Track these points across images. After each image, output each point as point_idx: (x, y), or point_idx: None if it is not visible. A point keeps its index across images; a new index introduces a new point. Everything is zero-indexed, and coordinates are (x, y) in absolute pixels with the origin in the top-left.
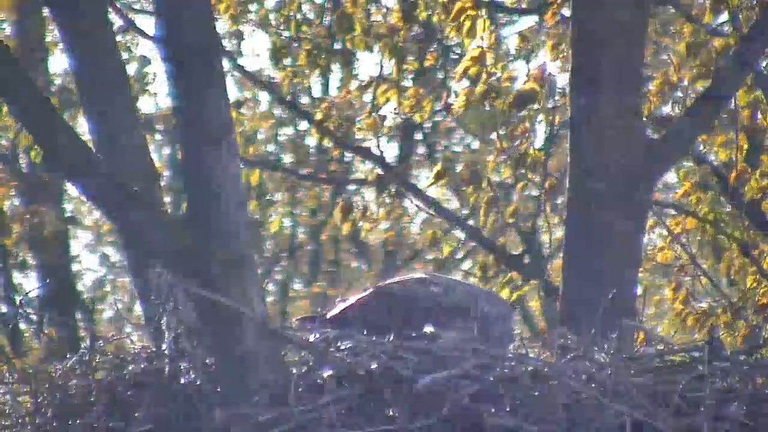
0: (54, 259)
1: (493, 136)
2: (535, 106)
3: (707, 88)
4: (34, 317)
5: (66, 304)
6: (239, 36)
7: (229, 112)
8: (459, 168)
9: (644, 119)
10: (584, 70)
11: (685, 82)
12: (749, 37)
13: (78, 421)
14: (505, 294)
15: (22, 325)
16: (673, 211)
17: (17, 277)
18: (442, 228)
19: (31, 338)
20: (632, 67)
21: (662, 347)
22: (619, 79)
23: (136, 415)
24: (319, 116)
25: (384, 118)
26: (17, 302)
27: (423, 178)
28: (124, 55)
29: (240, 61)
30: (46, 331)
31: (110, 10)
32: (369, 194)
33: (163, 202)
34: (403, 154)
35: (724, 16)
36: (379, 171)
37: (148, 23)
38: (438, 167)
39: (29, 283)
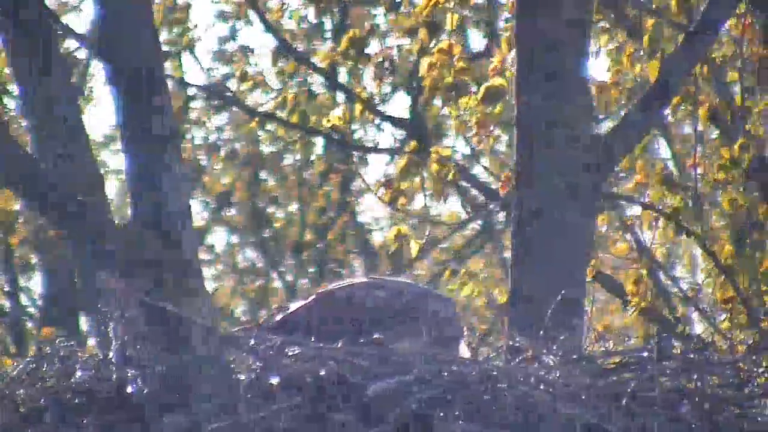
0: (57, 260)
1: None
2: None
3: (656, 81)
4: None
5: (69, 305)
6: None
7: (174, 120)
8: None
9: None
10: (531, 67)
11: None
12: (696, 30)
13: (26, 430)
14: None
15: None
16: (635, 206)
17: (22, 278)
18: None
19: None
20: (580, 61)
21: (612, 347)
22: (567, 74)
23: (84, 422)
24: (362, 94)
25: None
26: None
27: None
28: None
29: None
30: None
31: (52, 22)
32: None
33: (110, 208)
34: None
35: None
36: (416, 142)
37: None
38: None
39: (34, 283)
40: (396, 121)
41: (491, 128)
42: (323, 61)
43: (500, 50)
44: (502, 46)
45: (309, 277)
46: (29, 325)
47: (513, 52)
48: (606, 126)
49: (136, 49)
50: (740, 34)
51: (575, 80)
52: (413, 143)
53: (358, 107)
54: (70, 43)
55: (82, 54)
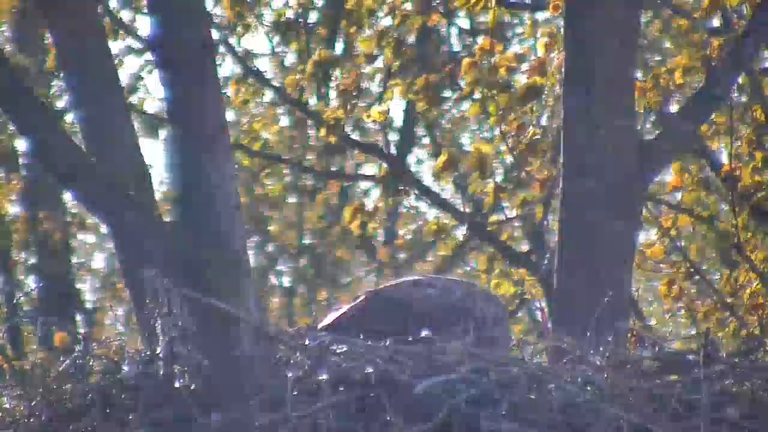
0: (57, 263)
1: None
2: (546, 100)
3: (702, 87)
4: (30, 318)
5: (67, 306)
6: (244, 29)
7: (223, 113)
8: (464, 156)
9: (638, 117)
10: (577, 70)
11: (676, 78)
12: (743, 36)
13: (73, 425)
14: (504, 289)
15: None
16: (666, 208)
17: (22, 280)
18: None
19: (32, 340)
20: (625, 66)
21: (658, 350)
22: (611, 78)
23: (130, 418)
24: (330, 116)
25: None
26: (17, 301)
27: (427, 170)
28: (117, 54)
29: (243, 59)
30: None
31: (101, 10)
32: (376, 192)
33: (157, 204)
34: (405, 147)
35: (718, 17)
36: (386, 168)
37: (141, 23)
38: (444, 157)
39: (32, 286)
40: (366, 148)
41: (527, 128)
42: (289, 87)
43: (542, 50)
44: (541, 46)
45: (307, 279)
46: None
47: (556, 53)
48: (649, 129)
49: (188, 43)
50: None
51: (622, 83)
52: (383, 169)
53: (322, 132)
54: (120, 34)
55: (133, 46)
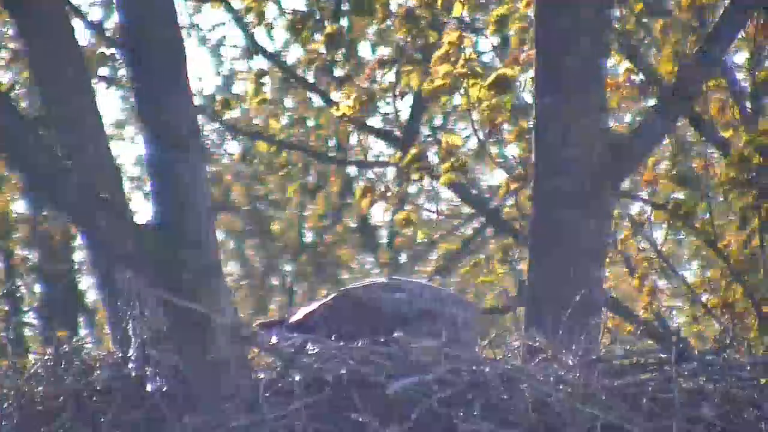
0: (59, 262)
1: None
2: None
3: (674, 85)
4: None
5: (69, 307)
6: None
7: (195, 116)
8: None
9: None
10: (548, 68)
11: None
12: (714, 34)
13: (44, 428)
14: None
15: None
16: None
17: (22, 274)
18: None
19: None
20: (597, 64)
21: (630, 348)
22: (583, 76)
23: (102, 421)
24: (345, 108)
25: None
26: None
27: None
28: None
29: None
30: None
31: (71, 13)
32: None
33: (130, 208)
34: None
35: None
36: (401, 154)
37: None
38: (413, 150)
39: (35, 286)
40: (378, 133)
41: (500, 121)
42: (303, 65)
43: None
44: (513, 40)
45: (308, 279)
46: (32, 326)
47: (527, 50)
48: (623, 126)
49: (159, 45)
50: (752, 35)
51: (594, 80)
52: (398, 155)
53: (335, 115)
54: (88, 36)
55: (100, 46)
